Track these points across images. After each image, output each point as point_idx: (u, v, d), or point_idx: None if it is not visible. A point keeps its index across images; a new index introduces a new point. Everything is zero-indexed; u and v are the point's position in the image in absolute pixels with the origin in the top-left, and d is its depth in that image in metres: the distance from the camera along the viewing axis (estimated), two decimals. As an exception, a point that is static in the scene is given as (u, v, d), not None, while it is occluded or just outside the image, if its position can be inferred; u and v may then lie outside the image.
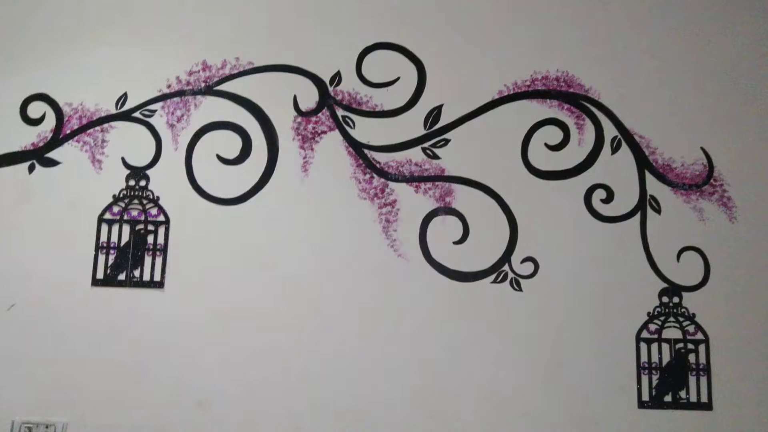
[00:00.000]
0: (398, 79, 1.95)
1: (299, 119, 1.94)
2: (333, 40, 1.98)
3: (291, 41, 1.97)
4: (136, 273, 1.87)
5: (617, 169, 1.91)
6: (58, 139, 1.93)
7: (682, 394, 1.82)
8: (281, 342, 1.85)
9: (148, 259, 1.88)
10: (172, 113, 1.94)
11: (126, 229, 1.89)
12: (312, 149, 1.93)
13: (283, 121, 1.94)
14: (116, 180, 1.91)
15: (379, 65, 1.96)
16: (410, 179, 1.91)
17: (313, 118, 1.94)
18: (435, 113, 1.93)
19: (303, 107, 1.95)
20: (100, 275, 1.87)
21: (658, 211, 1.89)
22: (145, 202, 1.90)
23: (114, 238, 1.88)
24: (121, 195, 1.90)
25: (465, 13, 1.98)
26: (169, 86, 1.95)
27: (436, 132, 1.93)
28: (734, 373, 1.82)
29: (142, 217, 1.89)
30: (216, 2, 1.99)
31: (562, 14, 1.98)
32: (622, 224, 1.89)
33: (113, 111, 1.94)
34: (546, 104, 1.94)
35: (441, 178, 1.91)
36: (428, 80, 1.95)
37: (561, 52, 1.96)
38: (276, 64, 1.96)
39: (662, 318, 1.85)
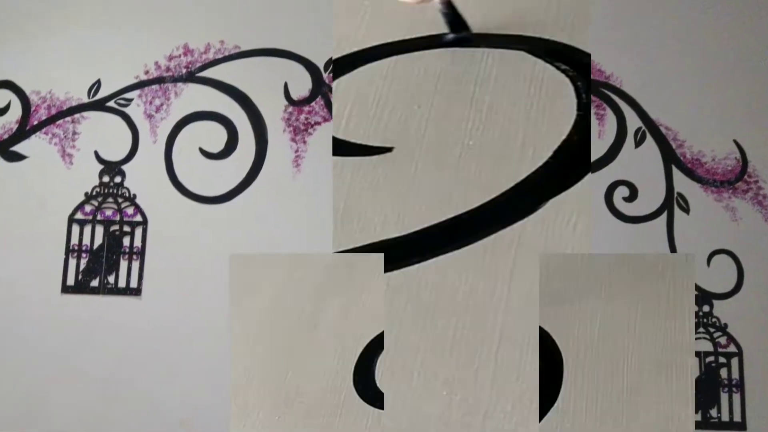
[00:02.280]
0: (400, 64, 1.86)
1: (290, 109, 1.87)
2: (328, 22, 1.83)
3: (281, 23, 1.89)
4: (111, 279, 1.79)
5: (641, 164, 1.83)
6: (24, 130, 1.85)
7: (713, 412, 1.74)
8: (271, 354, 1.76)
9: (123, 264, 1.80)
10: (150, 102, 1.87)
11: (99, 230, 1.81)
12: (305, 142, 1.85)
13: (273, 111, 1.86)
14: (88, 176, 1.83)
15: (378, 49, 1.87)
16: (413, 175, 1.82)
17: (306, 108, 1.87)
18: (440, 102, 1.84)
19: (295, 95, 1.87)
20: (70, 281, 1.79)
21: (686, 210, 1.81)
22: (120, 200, 1.83)
23: (86, 241, 1.81)
24: (94, 193, 1.83)
25: (473, -8, 1.89)
26: (146, 72, 1.87)
27: (441, 123, 1.84)
28: (770, 390, 1.75)
29: (118, 218, 1.82)
30: (199, -20, 1.91)
31: (581, -7, 1.90)
32: (647, 224, 1.81)
33: (85, 100, 1.86)
34: (563, 92, 1.86)
35: (447, 174, 1.82)
36: (433, 66, 1.86)
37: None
38: (265, 48, 1.89)
39: (691, 328, 1.76)
